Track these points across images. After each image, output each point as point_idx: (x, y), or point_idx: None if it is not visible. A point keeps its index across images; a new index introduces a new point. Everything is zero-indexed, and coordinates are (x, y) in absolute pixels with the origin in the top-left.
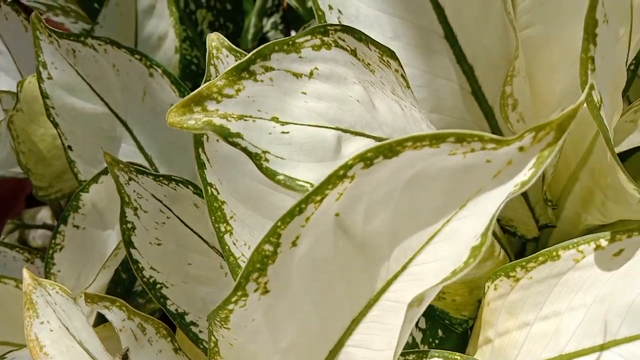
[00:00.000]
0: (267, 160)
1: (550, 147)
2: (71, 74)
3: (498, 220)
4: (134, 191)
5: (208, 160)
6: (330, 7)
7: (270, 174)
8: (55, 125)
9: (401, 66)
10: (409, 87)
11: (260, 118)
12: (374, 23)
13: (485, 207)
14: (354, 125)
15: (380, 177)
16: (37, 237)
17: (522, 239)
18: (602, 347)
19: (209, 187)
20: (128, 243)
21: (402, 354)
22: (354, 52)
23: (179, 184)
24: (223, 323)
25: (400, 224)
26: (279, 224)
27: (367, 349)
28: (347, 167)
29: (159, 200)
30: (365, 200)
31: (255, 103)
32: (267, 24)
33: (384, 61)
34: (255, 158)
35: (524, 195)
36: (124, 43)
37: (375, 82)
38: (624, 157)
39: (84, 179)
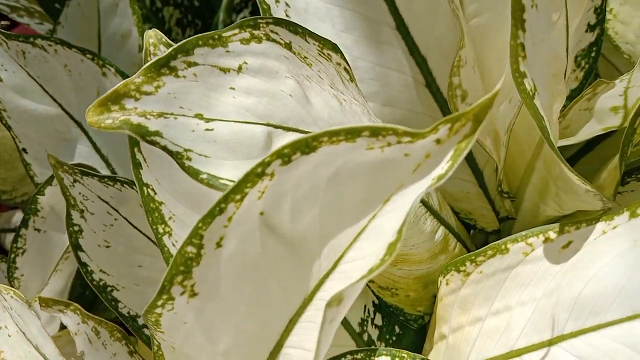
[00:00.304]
0: (189, 158)
1: (467, 138)
2: (22, 75)
3: (457, 214)
4: (80, 193)
5: (144, 159)
6: (277, 0)
7: (193, 173)
8: (8, 128)
9: (344, 59)
10: (352, 80)
11: (183, 115)
12: (325, 16)
13: (406, 202)
14: (286, 121)
15: (301, 174)
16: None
17: (483, 232)
18: (550, 343)
19: (145, 188)
20: (76, 246)
21: (350, 353)
22: (288, 46)
23: (125, 185)
24: (156, 326)
25: (328, 221)
26: (200, 224)
27: (303, 350)
28: (264, 164)
29: (106, 202)
30: (289, 198)
31: (177, 100)
32: (237, 19)
33: (324, 54)
34: (177, 157)
35: (482, 187)
36: (87, 43)
37: (311, 76)
38: (592, 145)
39: (40, 182)
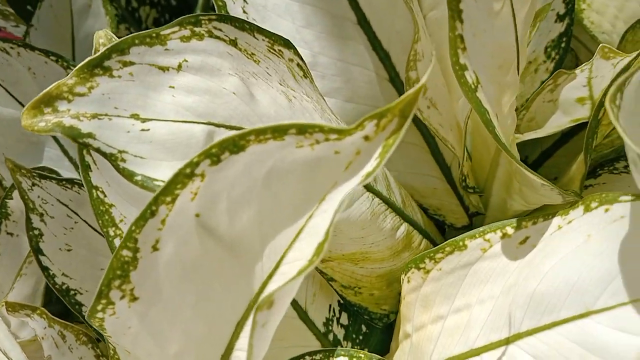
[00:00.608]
0: (124, 160)
1: (394, 135)
2: None
3: (425, 210)
4: (39, 197)
5: (94, 161)
6: None
7: (128, 175)
8: None
9: (297, 55)
10: (306, 76)
11: (118, 116)
12: (284, 12)
13: (336, 201)
14: (229, 119)
15: (233, 174)
16: None
17: (452, 228)
18: (507, 341)
19: (94, 190)
20: (36, 250)
21: (309, 354)
22: (233, 42)
23: (83, 187)
24: (102, 331)
25: (267, 221)
26: (133, 228)
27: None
28: (193, 164)
29: (65, 205)
30: (225, 199)
31: (112, 100)
32: None
33: (275, 50)
34: (111, 159)
35: (450, 182)
36: (61, 45)
37: (258, 73)
38: (568, 137)
39: (7, 186)
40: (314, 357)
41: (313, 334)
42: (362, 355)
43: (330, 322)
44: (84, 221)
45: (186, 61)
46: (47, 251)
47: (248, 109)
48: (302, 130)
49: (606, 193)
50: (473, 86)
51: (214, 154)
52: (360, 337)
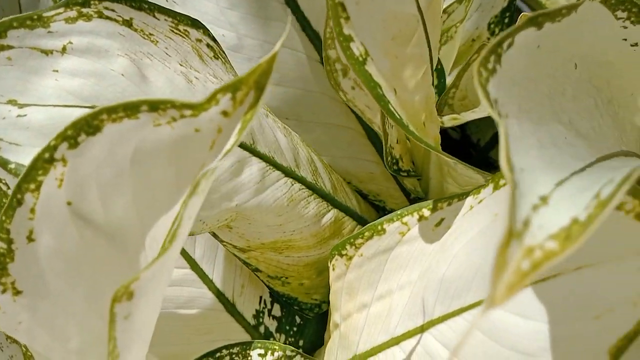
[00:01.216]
0: None
1: (252, 109)
2: None
3: (365, 196)
4: None
5: None
6: None
7: (2, 163)
8: None
9: (208, 35)
10: (218, 57)
11: None
12: None
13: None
14: (115, 102)
15: (97, 158)
16: None
17: None
18: (422, 329)
19: None
20: None
21: (226, 347)
22: (127, 22)
23: None
24: None
25: (144, 209)
26: (3, 218)
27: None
28: (50, 149)
29: None
30: (94, 185)
31: None
32: None
33: (180, 30)
34: None
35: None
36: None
37: (155, 54)
38: None
39: None
40: (231, 350)
41: (242, 326)
42: (277, 347)
43: (261, 314)
44: None
45: (71, 43)
46: None
47: (138, 91)
48: (154, 106)
49: None
50: (361, 59)
51: (70, 136)
52: (295, 329)
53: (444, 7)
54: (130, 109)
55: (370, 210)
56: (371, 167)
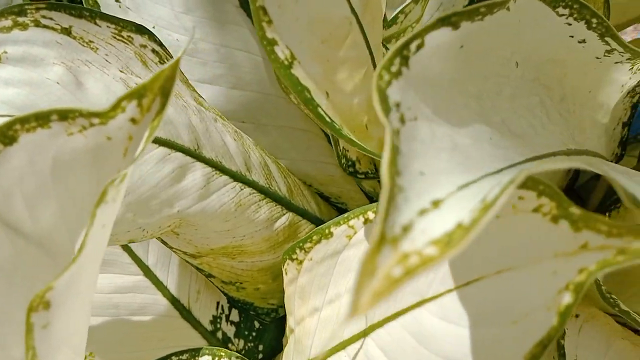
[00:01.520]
0: None
1: (159, 116)
2: None
3: (327, 198)
4: None
5: None
6: None
7: None
8: None
9: (153, 40)
10: (163, 62)
11: None
12: None
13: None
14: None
15: (18, 167)
16: None
17: None
18: (365, 333)
19: None
20: None
21: (175, 354)
22: (66, 31)
23: None
24: None
25: (71, 217)
26: None
27: None
28: None
29: None
30: (18, 195)
31: None
32: None
33: (123, 37)
34: None
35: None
36: None
37: (94, 61)
38: None
39: None
40: (180, 357)
41: (198, 332)
42: (223, 354)
43: (219, 320)
44: None
45: (6, 52)
46: None
47: (74, 98)
48: (64, 115)
49: None
50: (287, 62)
51: None
52: (254, 334)
53: (402, 7)
54: (41, 119)
55: (332, 213)
56: (331, 170)
